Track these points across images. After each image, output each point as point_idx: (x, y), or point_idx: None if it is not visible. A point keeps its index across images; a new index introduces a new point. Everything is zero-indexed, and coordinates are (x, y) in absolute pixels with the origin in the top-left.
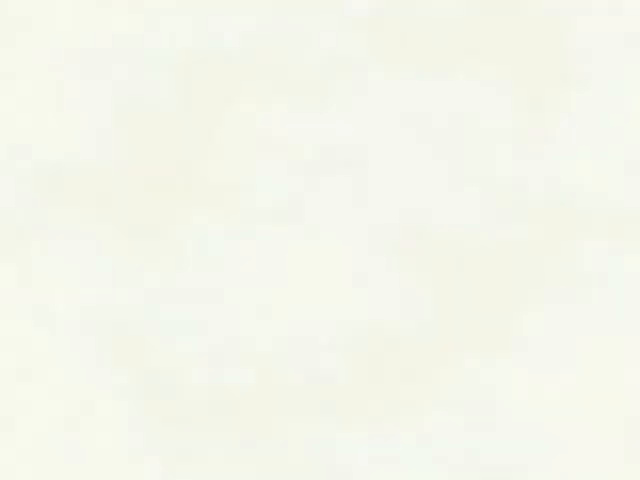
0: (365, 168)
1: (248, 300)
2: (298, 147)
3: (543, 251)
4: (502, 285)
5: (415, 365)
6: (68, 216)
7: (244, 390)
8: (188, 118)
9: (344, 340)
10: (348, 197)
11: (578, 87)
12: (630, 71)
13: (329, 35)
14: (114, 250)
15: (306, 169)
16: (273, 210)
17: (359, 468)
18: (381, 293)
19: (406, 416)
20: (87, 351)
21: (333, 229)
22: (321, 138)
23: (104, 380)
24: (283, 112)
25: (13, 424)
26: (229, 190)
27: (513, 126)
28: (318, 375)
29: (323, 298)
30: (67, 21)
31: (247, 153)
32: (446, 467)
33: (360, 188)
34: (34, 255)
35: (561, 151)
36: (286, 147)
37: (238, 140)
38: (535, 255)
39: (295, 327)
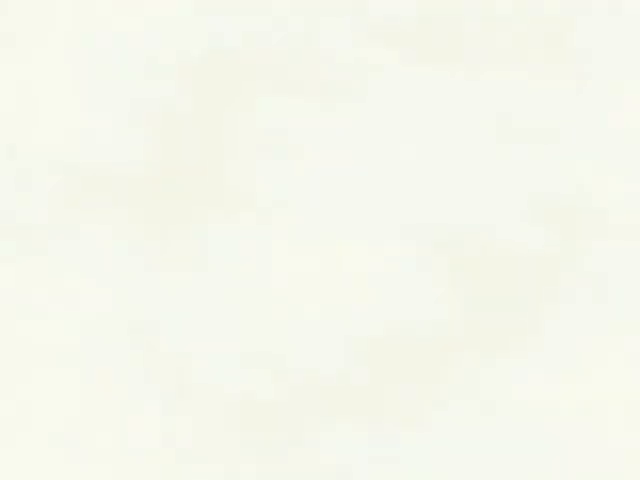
0: (393, 170)
1: (274, 303)
2: (320, 146)
3: (562, 254)
4: (524, 286)
5: (439, 366)
6: (88, 217)
7: (269, 393)
8: (204, 118)
9: (369, 341)
10: (378, 199)
11: (583, 88)
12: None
13: (347, 36)
14: (132, 252)
15: (328, 169)
16: (296, 210)
17: (387, 470)
18: (408, 294)
19: (435, 418)
20: (117, 357)
21: (362, 230)
22: (344, 138)
23: (132, 387)
24: (303, 113)
25: (42, 427)
26: (250, 189)
27: (526, 126)
28: (346, 375)
29: (350, 300)
30: (78, 22)
31: (265, 153)
32: (475, 468)
33: (389, 189)
34: (57, 256)
35: (568, 152)
36: (306, 147)
37: (255, 140)
38: (556, 258)
39: (321, 328)
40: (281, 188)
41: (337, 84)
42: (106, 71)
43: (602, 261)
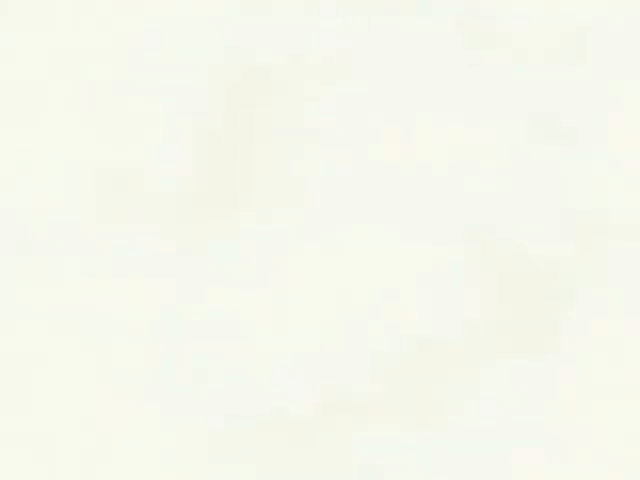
0: (432, 180)
1: (311, 306)
2: (351, 148)
3: (584, 261)
4: (548, 291)
5: (469, 368)
6: (132, 222)
7: (304, 395)
8: (236, 132)
9: (402, 343)
10: (415, 208)
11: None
12: None
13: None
14: (178, 252)
15: (359, 173)
16: (337, 219)
17: (420, 470)
18: (442, 299)
19: (467, 418)
20: (153, 360)
21: (400, 237)
22: (374, 141)
23: (163, 387)
24: (333, 122)
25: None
26: (281, 196)
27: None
28: (383, 376)
29: (386, 302)
30: (117, 38)
31: (296, 162)
32: (506, 463)
33: (420, 192)
34: (99, 263)
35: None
36: (350, 156)
37: (285, 150)
38: (578, 267)
39: (356, 329)
40: (313, 196)
41: (368, 92)
42: (142, 85)
43: (621, 267)
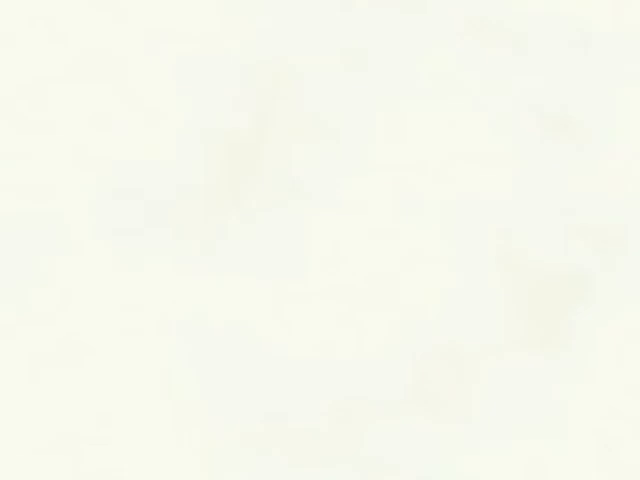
0: (447, 183)
1: (326, 309)
2: (377, 156)
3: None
4: (562, 293)
5: (484, 368)
6: (162, 224)
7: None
8: (264, 145)
9: (420, 347)
10: (432, 213)
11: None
12: None
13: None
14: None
15: (387, 177)
16: (349, 223)
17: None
18: (458, 301)
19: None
20: (178, 361)
21: (414, 238)
22: (390, 157)
23: (190, 389)
24: (365, 138)
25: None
26: (305, 203)
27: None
28: (411, 379)
29: (399, 305)
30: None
31: (323, 175)
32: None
33: (443, 202)
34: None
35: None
36: (368, 159)
37: (309, 162)
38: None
39: (372, 332)
40: (331, 199)
41: (382, 91)
42: (171, 98)
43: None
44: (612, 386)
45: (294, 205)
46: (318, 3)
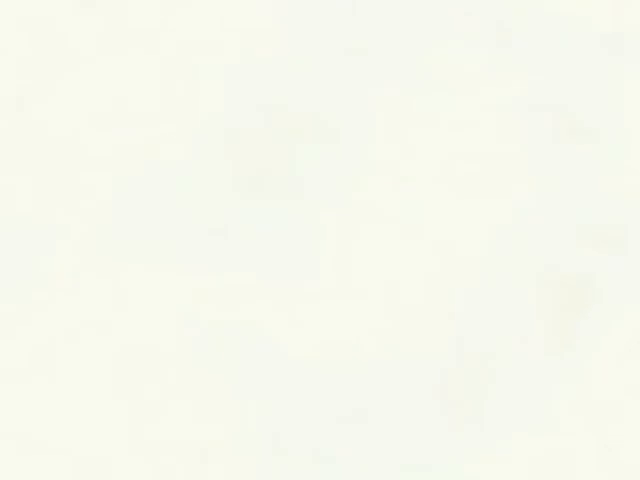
0: (466, 185)
1: (350, 314)
2: (391, 167)
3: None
4: (574, 297)
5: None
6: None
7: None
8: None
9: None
10: (453, 221)
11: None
12: None
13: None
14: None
15: (401, 185)
16: (371, 230)
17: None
18: (486, 309)
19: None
20: (193, 360)
21: (429, 248)
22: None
23: (205, 389)
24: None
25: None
26: (319, 196)
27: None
28: (431, 381)
29: (430, 299)
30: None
31: (334, 178)
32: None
33: (463, 208)
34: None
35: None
36: (403, 177)
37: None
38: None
39: (402, 338)
40: (349, 204)
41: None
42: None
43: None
44: (621, 388)
45: (298, 205)
46: (320, 3)
